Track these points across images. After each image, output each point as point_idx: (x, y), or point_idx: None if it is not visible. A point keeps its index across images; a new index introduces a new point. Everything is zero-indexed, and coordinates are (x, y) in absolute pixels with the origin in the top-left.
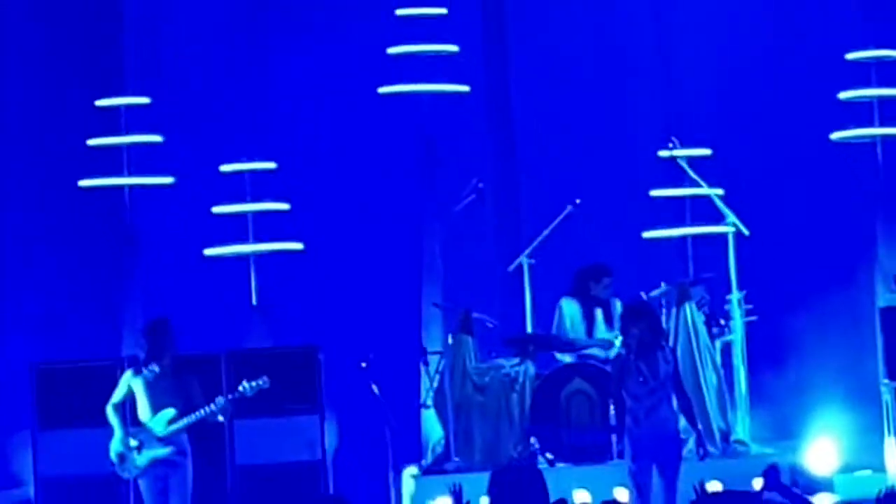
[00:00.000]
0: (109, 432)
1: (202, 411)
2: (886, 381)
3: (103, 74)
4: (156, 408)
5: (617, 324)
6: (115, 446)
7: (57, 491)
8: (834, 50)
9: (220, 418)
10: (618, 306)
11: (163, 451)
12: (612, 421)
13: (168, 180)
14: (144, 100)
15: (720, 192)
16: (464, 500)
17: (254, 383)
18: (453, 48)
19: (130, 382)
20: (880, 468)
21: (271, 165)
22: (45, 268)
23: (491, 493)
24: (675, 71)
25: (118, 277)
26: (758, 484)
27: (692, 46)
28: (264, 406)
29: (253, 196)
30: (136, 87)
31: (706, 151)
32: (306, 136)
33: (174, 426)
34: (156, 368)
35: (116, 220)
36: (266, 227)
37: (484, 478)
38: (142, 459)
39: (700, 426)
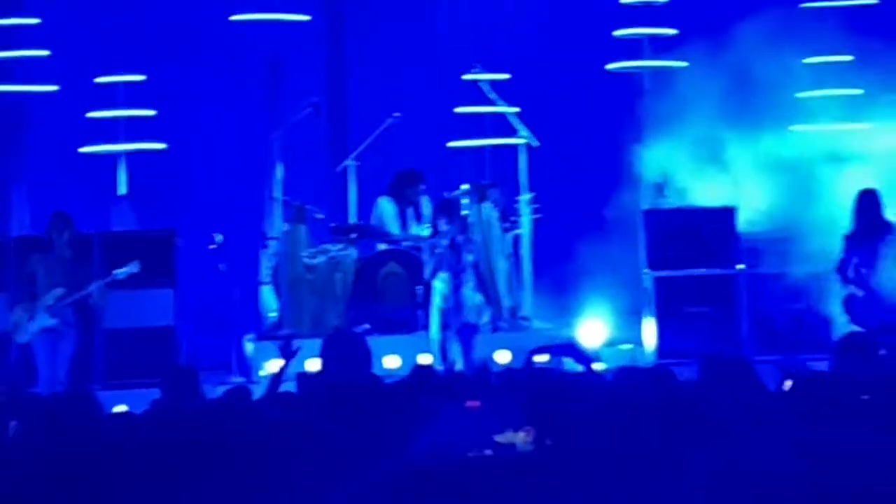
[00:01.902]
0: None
1: (83, 291)
2: (647, 270)
3: None
4: (50, 285)
5: (426, 220)
6: (13, 315)
7: None
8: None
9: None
10: (426, 205)
11: (50, 322)
12: (420, 299)
13: (52, 88)
14: (35, 20)
15: (516, 109)
16: (293, 348)
17: (125, 269)
18: None
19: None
20: (639, 343)
21: (141, 77)
22: None
23: (323, 355)
24: (481, 7)
25: (6, 169)
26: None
27: None
28: (128, 280)
29: (125, 103)
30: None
31: (505, 76)
32: (173, 54)
33: (61, 302)
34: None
35: (3, 121)
36: (135, 129)
37: (312, 343)
38: (33, 327)
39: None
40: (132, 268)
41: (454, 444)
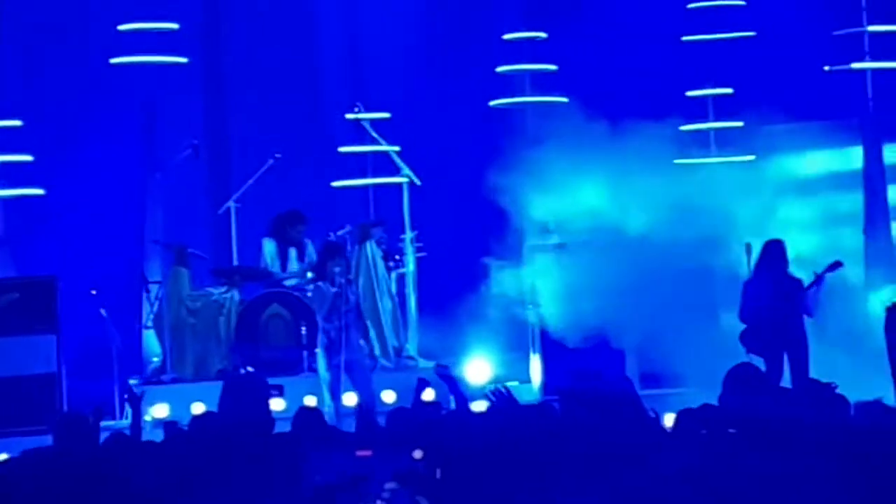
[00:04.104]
0: None
1: None
2: (531, 304)
3: None
4: None
5: (308, 259)
6: None
7: None
8: (493, 32)
9: None
10: (309, 246)
11: None
12: (304, 340)
13: None
14: None
15: (397, 148)
16: (137, 394)
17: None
18: (174, 26)
19: None
20: (526, 379)
21: (17, 123)
22: None
23: (222, 395)
24: (361, 47)
25: None
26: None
27: (374, 26)
28: (9, 327)
29: (1, 149)
30: None
31: (385, 115)
32: (51, 98)
33: None
34: None
35: None
36: (12, 175)
37: (195, 388)
38: None
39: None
40: (8, 297)
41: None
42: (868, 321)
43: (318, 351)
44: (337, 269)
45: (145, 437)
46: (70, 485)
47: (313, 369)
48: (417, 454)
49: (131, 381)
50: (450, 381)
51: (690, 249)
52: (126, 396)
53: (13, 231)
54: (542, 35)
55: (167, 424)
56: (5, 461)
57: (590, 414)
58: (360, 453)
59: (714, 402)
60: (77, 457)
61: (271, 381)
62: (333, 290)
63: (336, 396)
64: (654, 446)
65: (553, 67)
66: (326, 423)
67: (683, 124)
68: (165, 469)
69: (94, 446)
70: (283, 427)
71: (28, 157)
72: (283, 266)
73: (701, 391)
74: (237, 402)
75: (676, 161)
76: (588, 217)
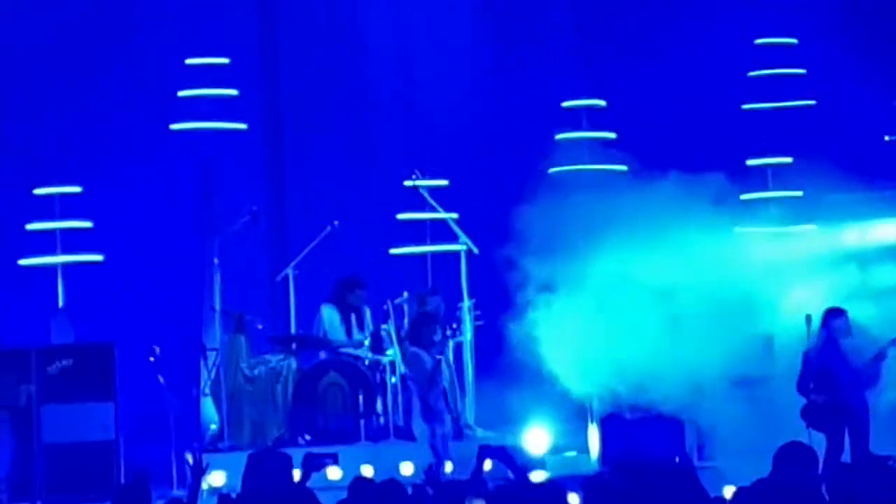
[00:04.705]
0: None
1: (14, 399)
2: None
3: None
4: None
5: (368, 327)
6: None
7: None
8: (551, 97)
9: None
10: (367, 312)
11: None
12: (361, 408)
13: None
14: None
15: (455, 216)
16: (203, 465)
17: (56, 364)
18: (234, 92)
19: None
20: (584, 450)
21: (77, 189)
22: None
23: (245, 477)
24: (417, 115)
25: None
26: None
27: (431, 94)
28: (67, 394)
29: (61, 215)
30: None
31: (443, 182)
32: (110, 164)
33: None
34: None
35: None
36: (72, 241)
37: None
38: None
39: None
40: (64, 363)
41: None
42: None
43: (416, 420)
44: (436, 338)
45: None
46: None
47: (370, 438)
48: None
49: (187, 454)
50: (504, 456)
51: (747, 318)
52: (190, 463)
53: (72, 297)
54: (602, 103)
55: (221, 496)
56: None
57: (647, 488)
58: None
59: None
60: None
61: (327, 449)
62: (433, 358)
63: (441, 464)
64: None
65: (612, 135)
66: (378, 491)
67: (744, 193)
68: None
69: None
70: (339, 496)
71: (87, 224)
72: (348, 332)
73: (748, 464)
74: (261, 478)
75: (737, 229)
76: (644, 287)
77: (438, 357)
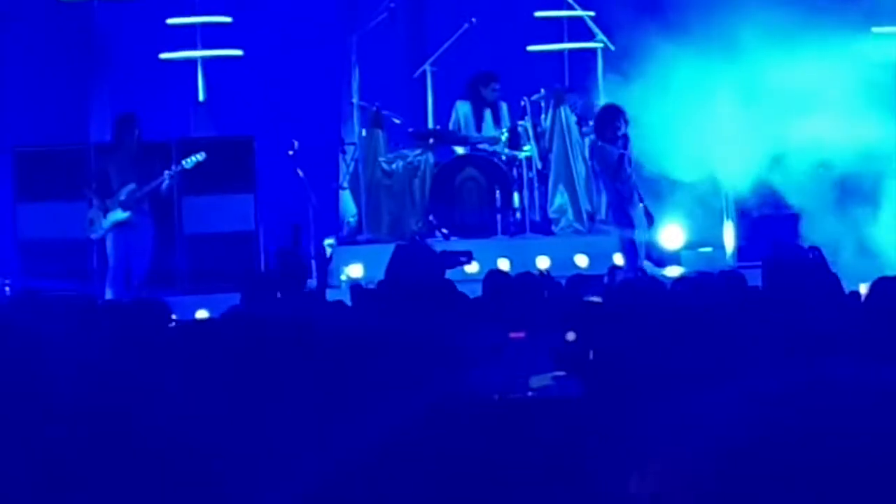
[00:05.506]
0: (79, 204)
1: (155, 182)
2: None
3: None
4: (122, 182)
5: (504, 122)
6: (89, 213)
7: (34, 251)
8: None
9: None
10: (504, 108)
11: (123, 216)
12: (498, 203)
13: None
14: None
15: (592, 13)
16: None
17: (191, 158)
18: None
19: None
20: (720, 245)
21: None
22: (26, 69)
23: (390, 266)
24: None
25: (89, 77)
26: (618, 259)
27: None
28: (208, 185)
29: (202, 9)
30: None
31: None
32: None
33: (134, 196)
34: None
35: (87, 29)
36: (212, 36)
37: (390, 248)
38: (106, 223)
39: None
40: (198, 157)
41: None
42: None
43: (608, 211)
44: (619, 132)
45: (340, 296)
46: (252, 346)
47: (506, 232)
48: (570, 336)
49: (327, 242)
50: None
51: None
52: (314, 256)
53: (213, 92)
54: None
55: (352, 287)
56: (206, 319)
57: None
58: (513, 335)
59: None
60: (260, 318)
61: (464, 243)
62: (619, 151)
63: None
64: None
65: None
66: (515, 285)
67: None
68: (350, 329)
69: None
70: (474, 289)
71: (227, 19)
72: (478, 127)
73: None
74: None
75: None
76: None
77: (622, 152)
